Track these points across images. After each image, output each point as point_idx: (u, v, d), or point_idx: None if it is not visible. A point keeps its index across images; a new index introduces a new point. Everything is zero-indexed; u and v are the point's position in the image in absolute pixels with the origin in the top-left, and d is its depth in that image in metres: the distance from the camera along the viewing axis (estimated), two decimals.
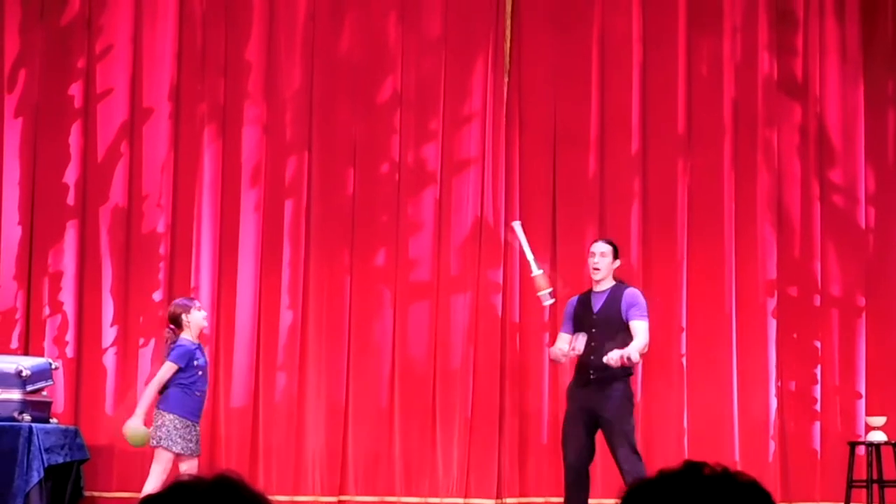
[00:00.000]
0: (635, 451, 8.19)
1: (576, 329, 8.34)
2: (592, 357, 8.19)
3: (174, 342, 8.36)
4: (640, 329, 8.25)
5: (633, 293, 8.39)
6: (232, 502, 2.16)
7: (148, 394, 8.33)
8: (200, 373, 8.39)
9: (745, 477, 2.11)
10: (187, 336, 8.37)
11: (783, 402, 9.77)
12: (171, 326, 8.45)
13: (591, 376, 8.22)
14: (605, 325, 8.27)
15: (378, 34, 10.04)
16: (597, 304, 8.37)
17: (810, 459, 9.74)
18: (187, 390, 8.29)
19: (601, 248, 8.42)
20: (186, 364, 8.29)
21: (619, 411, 8.19)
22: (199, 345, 8.49)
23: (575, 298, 8.58)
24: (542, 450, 9.61)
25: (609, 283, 8.41)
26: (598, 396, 8.19)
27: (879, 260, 9.96)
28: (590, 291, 8.49)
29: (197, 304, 8.64)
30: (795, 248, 9.94)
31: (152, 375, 8.74)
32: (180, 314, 8.41)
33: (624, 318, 8.28)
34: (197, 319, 8.45)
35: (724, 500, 2.08)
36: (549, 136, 10.01)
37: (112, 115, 9.92)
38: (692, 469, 2.12)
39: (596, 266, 8.37)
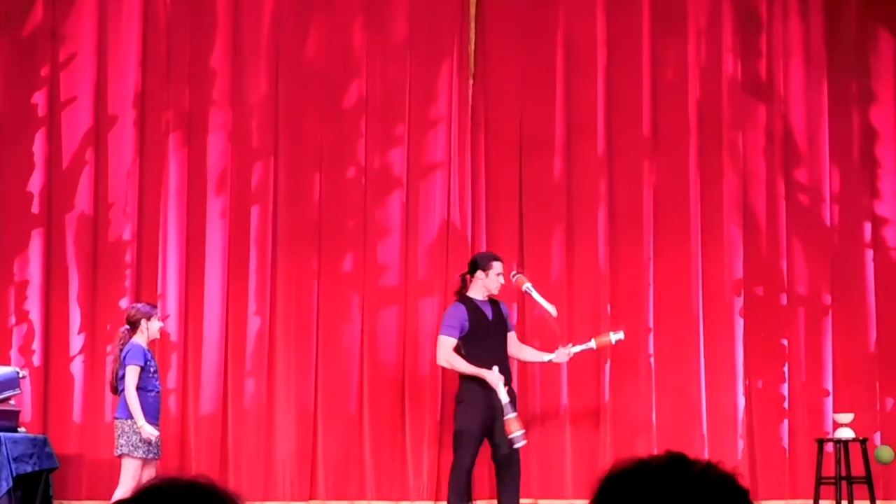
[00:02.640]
0: None
1: (471, 335, 8.54)
2: (496, 364, 8.44)
3: (125, 343, 8.35)
4: (516, 338, 8.87)
5: (505, 305, 8.88)
6: None
7: (134, 401, 8.25)
8: (153, 370, 8.39)
9: (724, 470, 2.10)
10: (139, 340, 8.36)
11: (751, 400, 9.80)
12: (127, 327, 8.43)
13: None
14: (499, 332, 8.66)
15: (343, 40, 10.04)
16: (489, 313, 8.69)
17: (779, 457, 9.77)
18: (140, 392, 8.26)
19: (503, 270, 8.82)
20: (144, 364, 8.29)
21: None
22: (150, 351, 8.47)
23: (461, 307, 8.66)
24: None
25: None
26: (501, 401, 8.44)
27: (845, 258, 10.01)
28: (471, 301, 8.66)
29: (158, 313, 8.64)
30: (762, 247, 9.98)
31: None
32: (140, 319, 8.40)
33: (508, 326, 8.77)
34: (153, 328, 8.45)
35: (707, 491, 2.06)
36: (515, 139, 10.03)
37: (77, 123, 9.89)
38: (675, 460, 2.10)
39: (501, 284, 8.73)
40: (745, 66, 10.14)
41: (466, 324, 8.59)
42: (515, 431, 8.31)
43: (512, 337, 8.83)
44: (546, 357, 8.84)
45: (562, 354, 8.79)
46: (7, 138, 9.85)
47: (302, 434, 9.66)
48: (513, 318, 8.93)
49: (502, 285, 8.73)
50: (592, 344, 8.80)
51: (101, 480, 9.28)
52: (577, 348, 8.80)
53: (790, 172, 10.09)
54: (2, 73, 9.88)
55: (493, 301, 8.76)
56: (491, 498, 9.48)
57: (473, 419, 8.44)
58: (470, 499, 8.59)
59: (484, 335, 8.58)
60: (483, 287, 8.69)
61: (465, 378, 8.53)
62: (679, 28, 10.14)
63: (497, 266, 8.71)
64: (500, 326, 8.70)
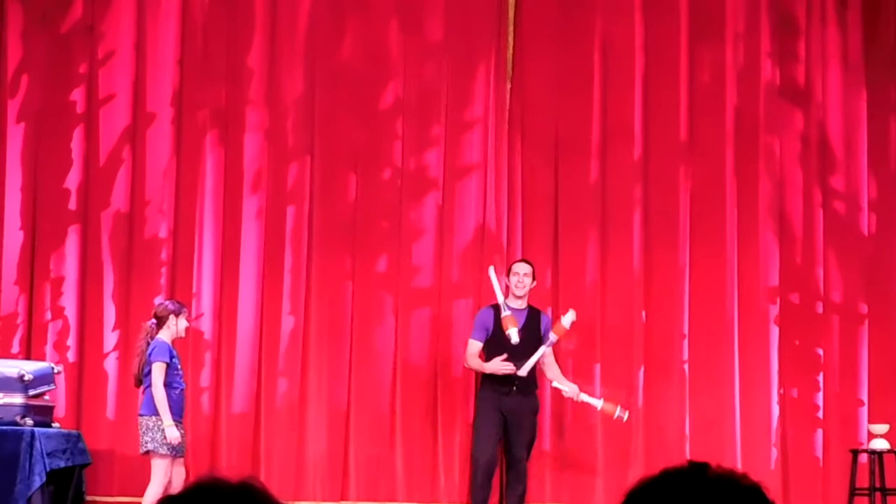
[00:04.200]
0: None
1: (492, 339, 8.78)
2: (516, 369, 8.64)
3: (152, 338, 8.35)
4: (552, 355, 8.96)
5: (549, 319, 9.00)
6: None
7: (161, 400, 8.25)
8: (179, 368, 8.40)
9: (748, 480, 2.10)
10: (164, 337, 8.35)
11: (785, 409, 9.75)
12: (154, 322, 8.42)
13: (514, 387, 8.69)
14: (526, 340, 8.72)
15: (379, 40, 10.03)
16: (519, 320, 8.80)
17: (812, 467, 9.73)
18: (165, 389, 8.27)
19: (525, 269, 8.96)
20: (169, 360, 8.31)
21: (533, 422, 8.85)
22: (174, 349, 8.50)
23: (489, 310, 8.94)
24: (545, 455, 9.58)
25: (526, 303, 8.95)
26: (518, 405, 8.71)
27: (881, 267, 9.95)
28: (503, 306, 8.83)
29: (186, 312, 8.62)
30: (797, 255, 9.93)
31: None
32: (169, 315, 8.40)
33: (543, 339, 8.82)
34: (181, 326, 8.45)
35: (727, 502, 2.06)
36: (550, 142, 10.01)
37: (114, 121, 9.91)
38: (696, 469, 2.11)
39: (522, 284, 8.87)
40: (782, 72, 10.09)
41: (491, 327, 8.76)
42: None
43: (547, 352, 8.87)
44: (561, 386, 8.91)
45: (572, 392, 8.89)
46: (45, 135, 9.88)
47: (334, 434, 9.67)
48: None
49: (524, 286, 8.88)
50: (598, 405, 8.92)
51: (133, 477, 9.30)
52: (586, 398, 8.93)
53: (827, 179, 10.04)
54: (41, 69, 9.91)
55: (533, 311, 8.84)
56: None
57: (488, 419, 8.69)
58: (487, 497, 8.69)
59: (504, 338, 8.68)
60: (511, 293, 8.87)
61: (483, 380, 8.84)
62: (716, 32, 10.10)
63: (514, 267, 9.00)
64: (529, 336, 8.73)
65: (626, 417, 8.92)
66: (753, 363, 9.74)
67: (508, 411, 8.71)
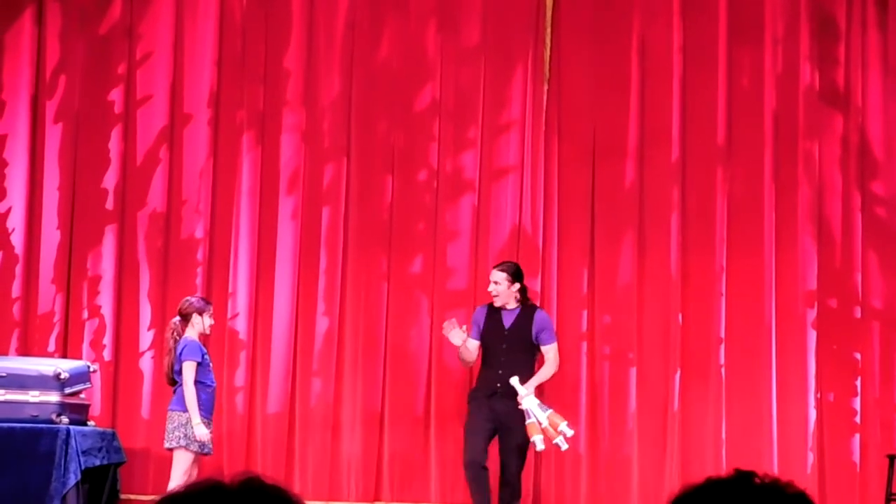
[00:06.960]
0: (523, 465, 8.73)
1: (483, 339, 8.80)
2: (501, 371, 8.63)
3: (179, 335, 8.36)
4: (550, 353, 8.84)
5: (543, 317, 8.89)
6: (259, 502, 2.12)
7: (192, 399, 8.28)
8: (209, 364, 8.43)
9: (793, 488, 2.09)
10: (191, 335, 8.38)
11: (822, 413, 9.68)
12: (179, 319, 8.44)
13: (498, 389, 8.63)
14: (514, 342, 8.73)
15: (417, 42, 10.04)
16: (507, 321, 8.80)
17: (849, 472, 9.65)
18: (199, 385, 8.30)
19: (495, 278, 8.86)
20: (201, 358, 8.33)
21: (521, 425, 8.51)
22: (204, 346, 8.53)
23: (484, 308, 8.94)
24: (580, 459, 9.55)
25: (515, 304, 8.83)
26: (503, 408, 8.60)
27: None
28: (497, 307, 8.90)
29: (211, 309, 8.63)
30: (836, 259, 9.85)
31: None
32: (193, 313, 8.42)
33: (534, 339, 8.78)
34: (206, 324, 8.48)
35: None
36: (588, 144, 9.98)
37: (151, 121, 9.97)
38: (742, 478, 2.09)
39: (495, 293, 8.80)
40: (822, 75, 10.01)
41: (481, 326, 8.85)
42: (534, 435, 8.41)
43: (545, 350, 8.82)
44: (519, 389, 8.51)
45: (528, 401, 8.45)
46: (83, 135, 9.95)
47: (368, 435, 9.68)
48: (548, 332, 8.89)
49: (495, 293, 8.83)
50: (543, 419, 8.37)
51: (167, 475, 9.30)
52: (535, 409, 8.40)
53: (866, 184, 9.95)
54: (79, 70, 9.98)
55: (528, 310, 8.86)
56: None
57: (474, 420, 8.75)
58: (483, 497, 8.66)
59: (492, 341, 8.79)
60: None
61: (475, 382, 8.95)
62: (755, 35, 10.03)
63: (490, 276, 8.96)
64: (516, 336, 8.76)
65: (564, 446, 8.39)
66: (790, 367, 9.67)
67: (498, 415, 8.66)
